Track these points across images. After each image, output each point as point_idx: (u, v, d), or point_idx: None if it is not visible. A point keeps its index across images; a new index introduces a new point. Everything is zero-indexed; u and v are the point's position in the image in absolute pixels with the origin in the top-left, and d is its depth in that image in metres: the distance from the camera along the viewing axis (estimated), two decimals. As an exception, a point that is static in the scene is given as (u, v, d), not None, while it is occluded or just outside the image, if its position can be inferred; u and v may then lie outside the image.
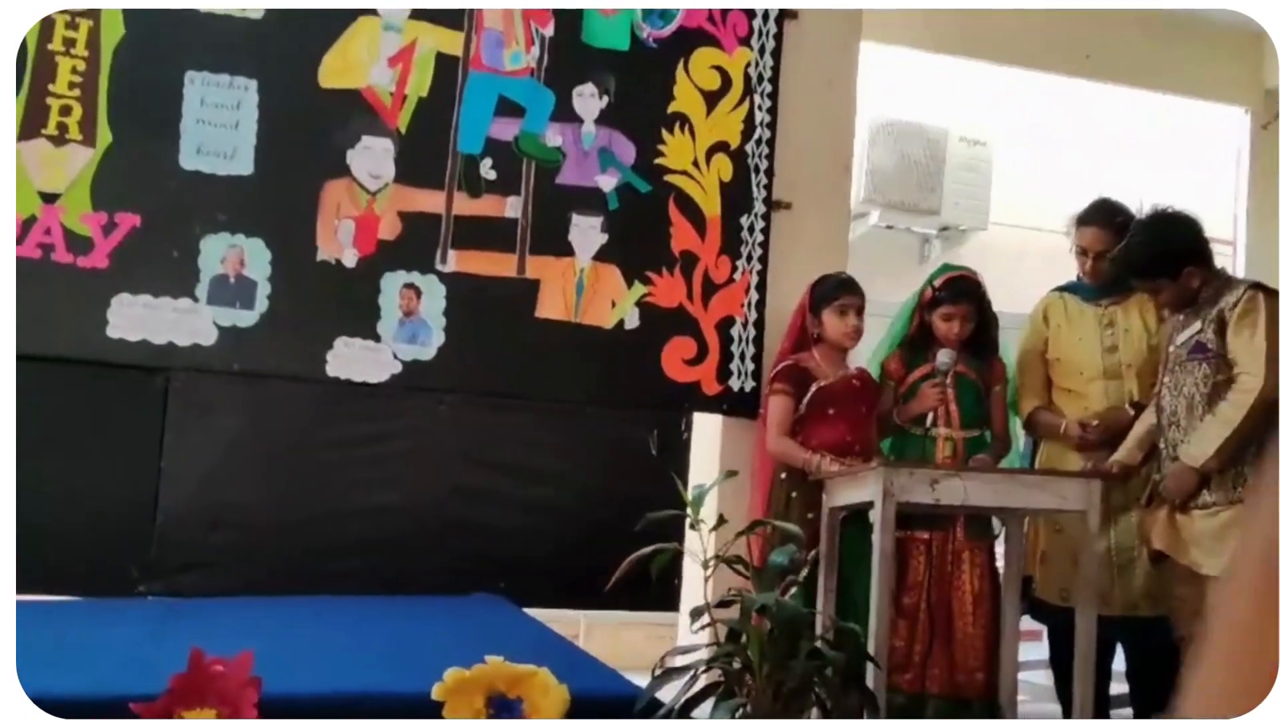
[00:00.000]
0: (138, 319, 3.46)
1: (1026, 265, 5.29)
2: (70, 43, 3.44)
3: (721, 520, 2.31)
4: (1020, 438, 3.91)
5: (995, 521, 3.53)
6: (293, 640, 2.62)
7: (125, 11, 3.47)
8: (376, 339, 3.65)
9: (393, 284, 3.67)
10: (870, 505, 3.06)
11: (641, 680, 3.32)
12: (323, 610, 3.15)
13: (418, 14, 3.72)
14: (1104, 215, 3.73)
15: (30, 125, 3.40)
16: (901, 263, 6.27)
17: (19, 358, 3.34)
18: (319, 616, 3.04)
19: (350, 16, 3.66)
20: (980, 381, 3.67)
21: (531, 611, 3.57)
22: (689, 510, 2.31)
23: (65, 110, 3.42)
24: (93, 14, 3.45)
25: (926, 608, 3.46)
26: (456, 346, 3.71)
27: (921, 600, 3.47)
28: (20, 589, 3.31)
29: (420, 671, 2.26)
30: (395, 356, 3.66)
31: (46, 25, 3.41)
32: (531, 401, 3.84)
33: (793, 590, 2.54)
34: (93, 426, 3.48)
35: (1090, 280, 3.77)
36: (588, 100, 3.89)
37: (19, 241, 3.37)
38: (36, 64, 3.40)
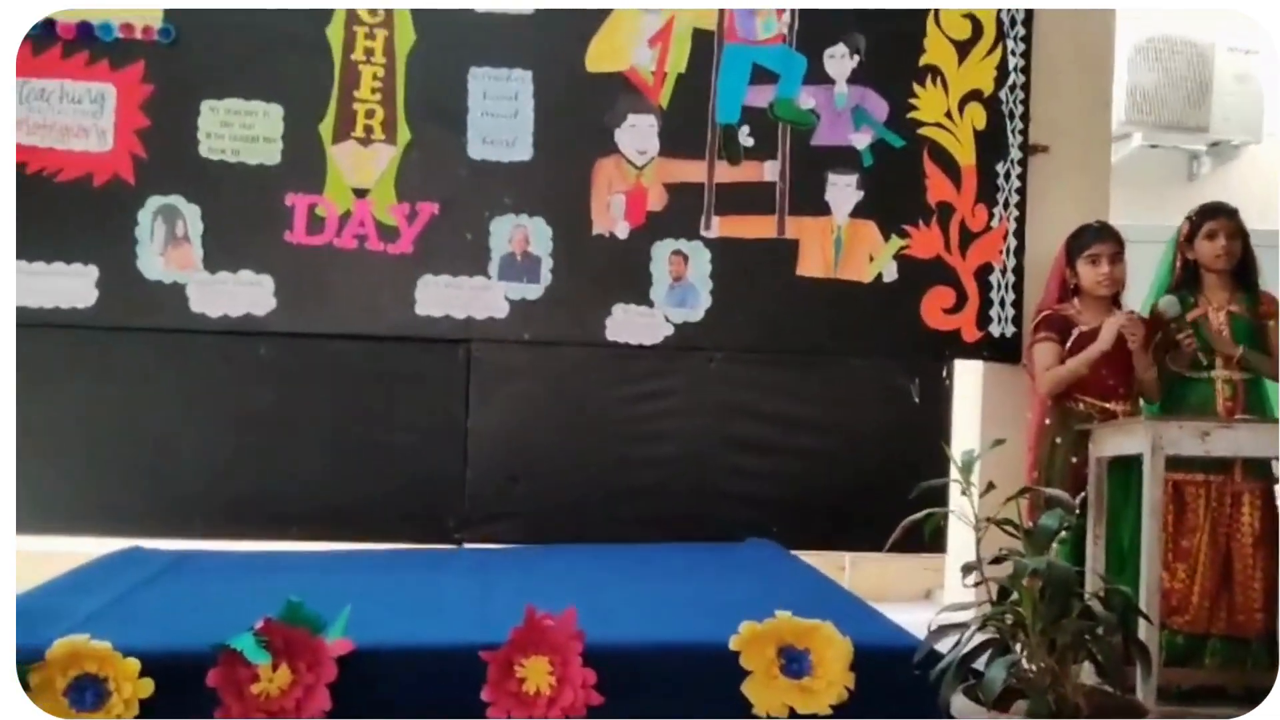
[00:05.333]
0: (440, 297, 3.86)
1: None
2: (370, 52, 3.82)
3: (990, 487, 2.45)
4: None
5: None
6: (597, 591, 2.94)
7: (415, 18, 3.82)
8: (650, 304, 3.93)
9: (662, 252, 3.94)
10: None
11: (911, 609, 3.53)
12: (616, 560, 3.49)
13: (674, -8, 3.92)
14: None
15: (341, 129, 3.82)
16: (1169, 183, 6.06)
17: (348, 337, 3.83)
18: (615, 567, 3.36)
19: (613, 2, 3.89)
20: (1251, 317, 3.61)
21: (800, 551, 3.82)
22: (960, 477, 2.46)
23: (370, 114, 3.82)
24: (387, 24, 3.82)
25: (1207, 549, 3.48)
26: (723, 307, 3.95)
27: (1201, 542, 3.48)
28: (351, 539, 3.84)
29: (716, 622, 2.53)
30: (667, 319, 3.94)
31: (349, 37, 3.81)
32: (796, 355, 4.03)
33: (1061, 535, 2.66)
34: (409, 394, 3.91)
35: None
36: (839, 61, 4.00)
37: (337, 234, 3.81)
38: (343, 74, 3.81)
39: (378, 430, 3.91)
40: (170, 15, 3.74)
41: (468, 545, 3.90)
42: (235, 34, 3.77)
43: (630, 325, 3.92)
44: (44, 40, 3.69)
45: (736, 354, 4.01)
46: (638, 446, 4.02)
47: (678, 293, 3.94)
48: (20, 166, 3.67)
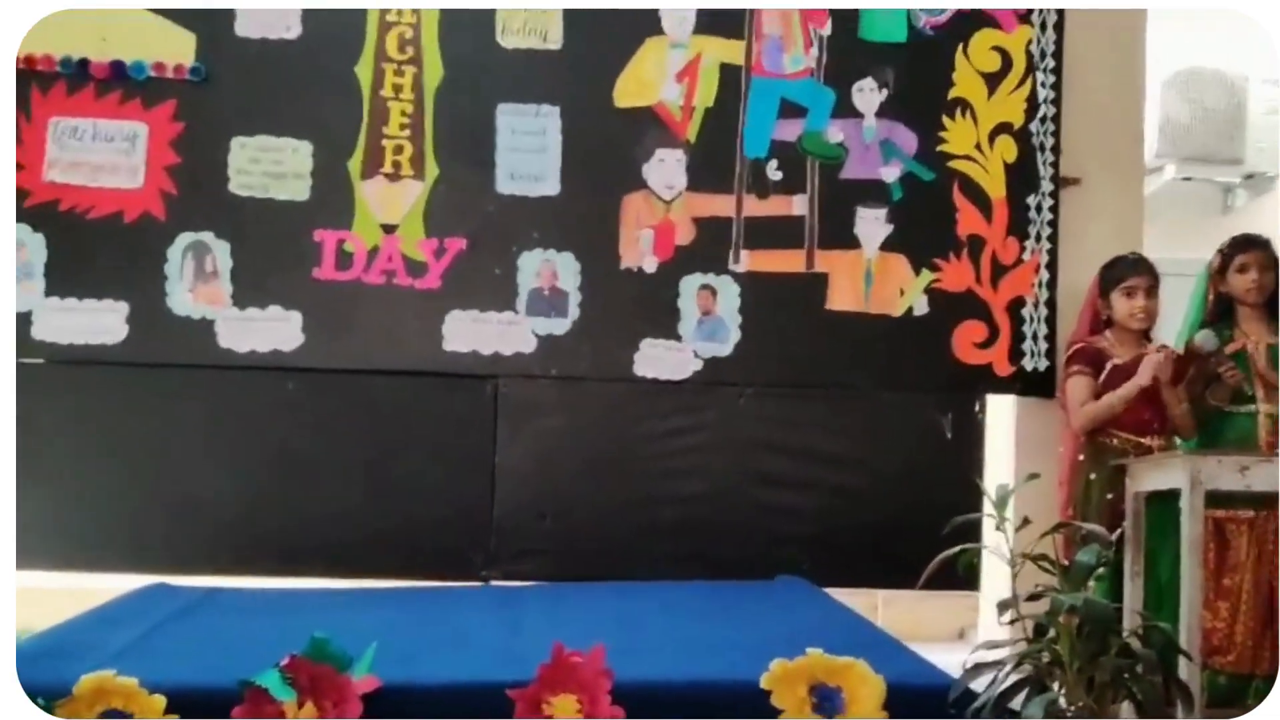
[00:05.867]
0: (468, 332, 3.85)
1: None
2: (399, 88, 3.84)
3: (1025, 522, 2.41)
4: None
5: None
6: (626, 628, 2.90)
7: (444, 54, 3.84)
8: (678, 339, 3.91)
9: (690, 286, 3.92)
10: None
11: (945, 648, 3.47)
12: (646, 597, 3.44)
13: (701, 28, 3.93)
14: None
15: (370, 165, 3.83)
16: (1203, 215, 6.02)
17: (375, 372, 3.82)
18: (644, 604, 3.32)
19: (639, 38, 3.91)
20: (1290, 349, 3.55)
21: (831, 589, 3.77)
22: (995, 511, 2.42)
23: (398, 149, 3.84)
24: (416, 60, 3.84)
25: (1250, 587, 3.40)
26: (752, 341, 3.93)
27: (1244, 580, 3.41)
28: (378, 576, 3.82)
29: (747, 660, 2.48)
30: (696, 354, 3.91)
31: (378, 74, 3.83)
32: (826, 390, 3.99)
33: (1098, 571, 2.60)
34: (435, 430, 3.90)
35: None
36: (867, 95, 3.98)
37: (365, 270, 3.82)
38: (372, 110, 3.83)
39: (405, 466, 3.90)
40: (202, 53, 3.77)
41: (495, 582, 3.87)
42: (265, 71, 3.80)
43: (659, 360, 3.90)
44: (77, 79, 3.73)
45: (766, 389, 3.98)
46: (667, 483, 3.99)
47: (706, 327, 3.92)
48: (52, 204, 3.71)
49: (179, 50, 3.76)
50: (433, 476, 3.90)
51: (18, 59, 3.69)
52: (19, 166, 3.71)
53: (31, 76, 3.72)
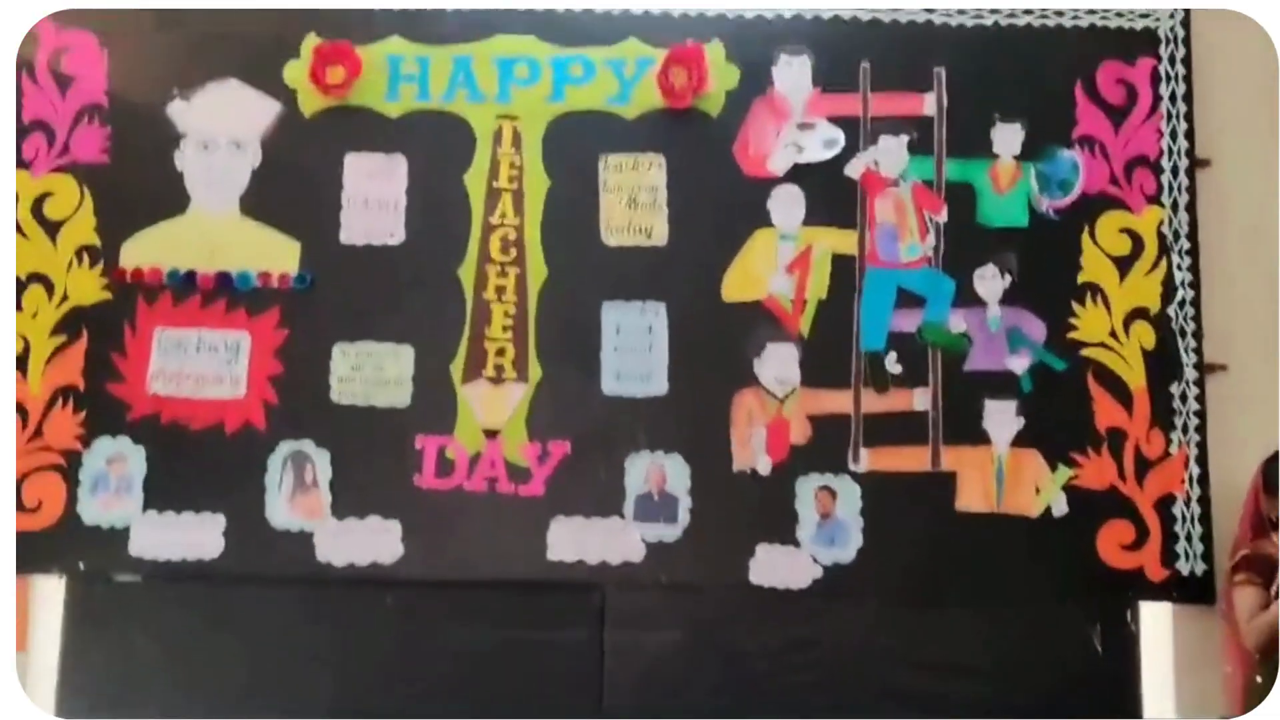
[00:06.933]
0: (573, 540, 3.66)
1: None
2: (501, 289, 3.76)
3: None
4: None
5: None
6: None
7: (547, 254, 3.76)
8: (796, 544, 3.66)
9: (808, 488, 3.69)
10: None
11: None
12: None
13: (811, 219, 3.79)
14: None
15: (473, 368, 3.73)
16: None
17: (477, 584, 3.64)
18: None
19: (747, 231, 3.79)
20: None
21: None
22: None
23: (500, 351, 3.73)
24: (519, 261, 3.76)
25: None
26: (876, 546, 3.66)
27: None
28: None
29: None
30: (815, 560, 3.66)
31: (481, 276, 3.75)
32: (959, 597, 3.68)
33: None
34: (541, 642, 3.67)
35: None
36: (990, 282, 3.79)
37: (467, 477, 3.67)
38: (475, 313, 3.74)
39: (509, 680, 3.66)
40: (306, 261, 3.75)
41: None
42: (369, 277, 3.75)
43: (776, 567, 3.65)
44: (184, 290, 3.73)
45: (892, 596, 3.69)
46: (788, 698, 3.68)
47: (826, 531, 3.67)
48: (154, 417, 3.66)
49: (284, 259, 3.75)
50: (538, 691, 3.66)
51: (127, 272, 3.72)
52: (120, 378, 3.68)
53: (139, 289, 3.72)
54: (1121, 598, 3.66)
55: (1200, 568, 3.64)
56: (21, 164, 3.78)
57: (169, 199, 3.78)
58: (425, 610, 3.68)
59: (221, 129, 3.80)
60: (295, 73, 3.83)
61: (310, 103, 3.83)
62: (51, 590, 3.68)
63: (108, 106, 3.82)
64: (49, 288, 3.73)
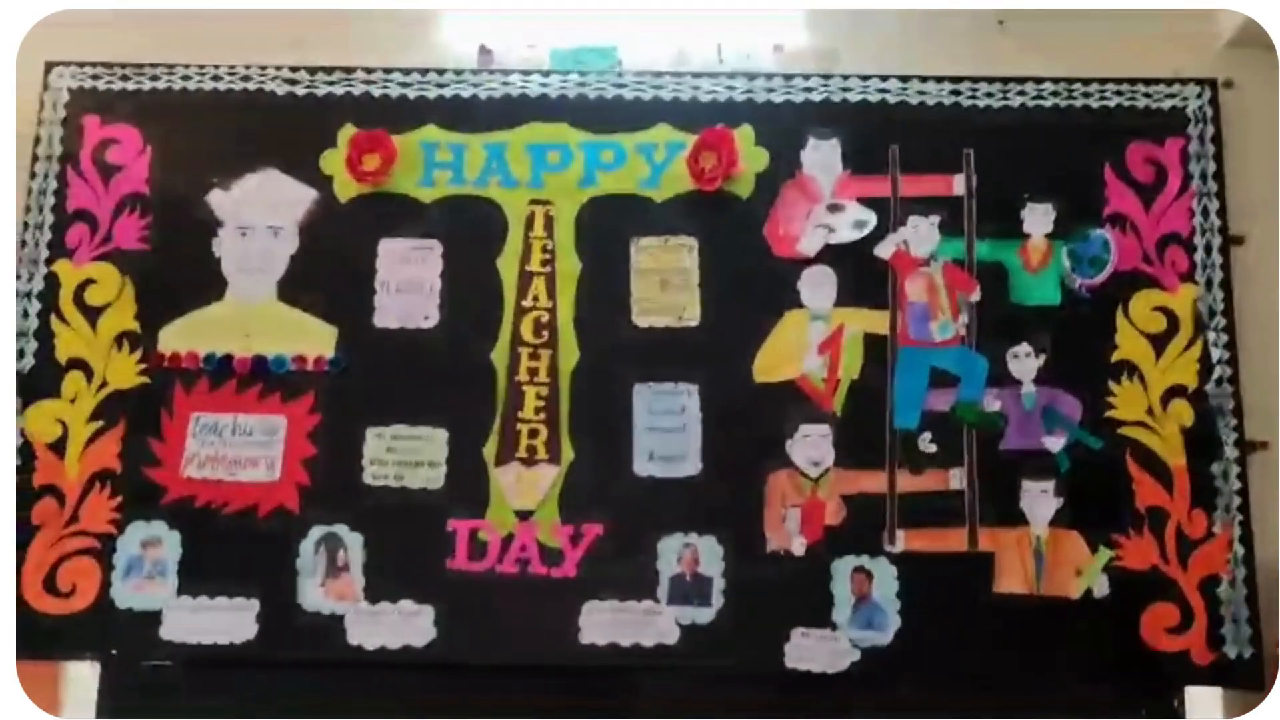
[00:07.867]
0: (605, 624, 3.62)
1: None
2: (534, 372, 3.77)
3: None
4: None
5: None
6: None
7: (580, 337, 3.78)
8: (832, 627, 3.61)
9: (843, 570, 3.64)
10: None
11: None
12: None
13: (842, 300, 3.80)
14: None
15: (505, 451, 3.73)
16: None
17: (509, 669, 3.60)
18: None
19: (779, 312, 3.80)
20: None
21: None
22: None
23: (533, 434, 3.73)
24: (551, 343, 3.78)
25: None
26: (914, 629, 3.60)
27: None
28: None
29: None
30: (852, 644, 3.60)
31: (514, 359, 3.77)
32: (999, 682, 3.60)
33: None
34: (571, 730, 3.63)
35: None
36: (1024, 360, 3.76)
37: (499, 560, 3.65)
38: (508, 396, 3.75)
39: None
40: (341, 345, 3.78)
41: None
42: (402, 360, 3.78)
43: (811, 651, 3.59)
44: (220, 374, 3.76)
45: (931, 680, 3.61)
46: (826, 790, 3.59)
47: (863, 614, 3.61)
48: (188, 500, 3.68)
49: (320, 343, 3.78)
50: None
51: (165, 356, 3.77)
52: (157, 462, 3.71)
53: (175, 374, 3.77)
54: (1167, 682, 3.57)
55: (1248, 651, 3.55)
56: (65, 253, 3.86)
57: (207, 285, 3.84)
58: (457, 695, 3.63)
59: (259, 216, 3.87)
60: (332, 161, 3.91)
61: (346, 189, 3.90)
62: (85, 675, 3.67)
63: (149, 195, 3.91)
64: (89, 373, 3.78)
